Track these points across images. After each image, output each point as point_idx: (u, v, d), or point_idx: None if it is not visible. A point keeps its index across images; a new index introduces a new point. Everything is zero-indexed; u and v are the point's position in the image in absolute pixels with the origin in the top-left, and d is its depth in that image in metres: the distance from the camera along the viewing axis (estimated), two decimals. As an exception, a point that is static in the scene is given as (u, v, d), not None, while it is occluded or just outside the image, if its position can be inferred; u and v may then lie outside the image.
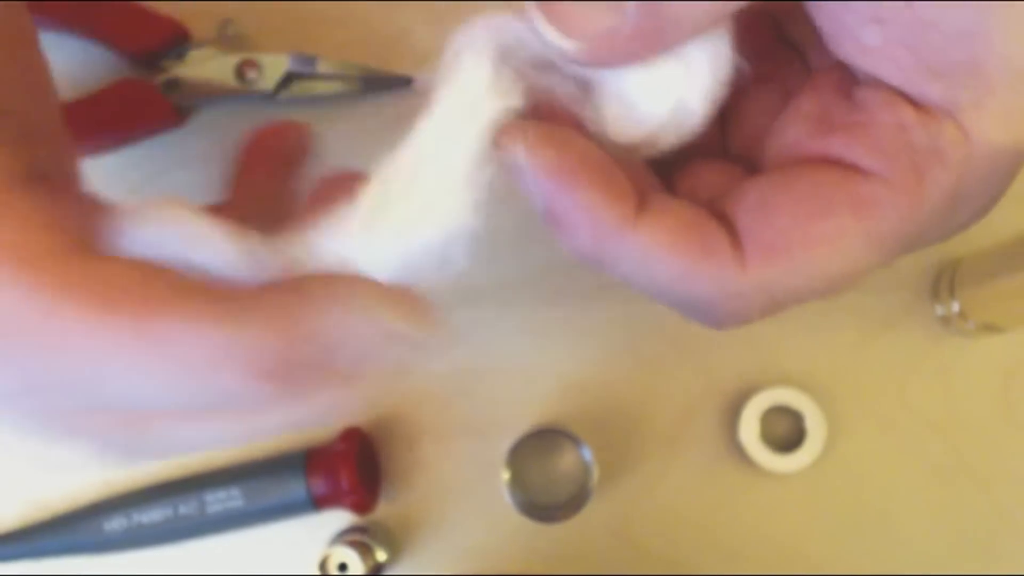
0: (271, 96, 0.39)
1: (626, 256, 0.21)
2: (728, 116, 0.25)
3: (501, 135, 0.21)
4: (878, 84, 0.21)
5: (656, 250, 0.21)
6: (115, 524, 0.37)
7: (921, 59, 0.20)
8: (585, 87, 0.22)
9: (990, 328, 0.37)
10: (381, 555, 0.37)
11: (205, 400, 0.19)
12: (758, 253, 0.21)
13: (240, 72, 0.39)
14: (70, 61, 0.39)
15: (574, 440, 0.37)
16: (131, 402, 0.20)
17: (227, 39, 0.39)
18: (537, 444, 0.37)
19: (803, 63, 0.24)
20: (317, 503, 0.37)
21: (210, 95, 0.39)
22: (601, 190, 0.21)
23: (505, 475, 0.37)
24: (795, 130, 0.23)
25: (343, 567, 0.36)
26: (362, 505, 0.37)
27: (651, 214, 0.21)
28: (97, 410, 0.21)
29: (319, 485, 0.36)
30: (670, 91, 0.21)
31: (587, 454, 0.36)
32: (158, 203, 0.21)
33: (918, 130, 0.20)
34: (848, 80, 0.22)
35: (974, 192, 0.21)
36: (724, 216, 0.22)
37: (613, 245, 0.21)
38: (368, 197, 0.22)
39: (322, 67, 0.39)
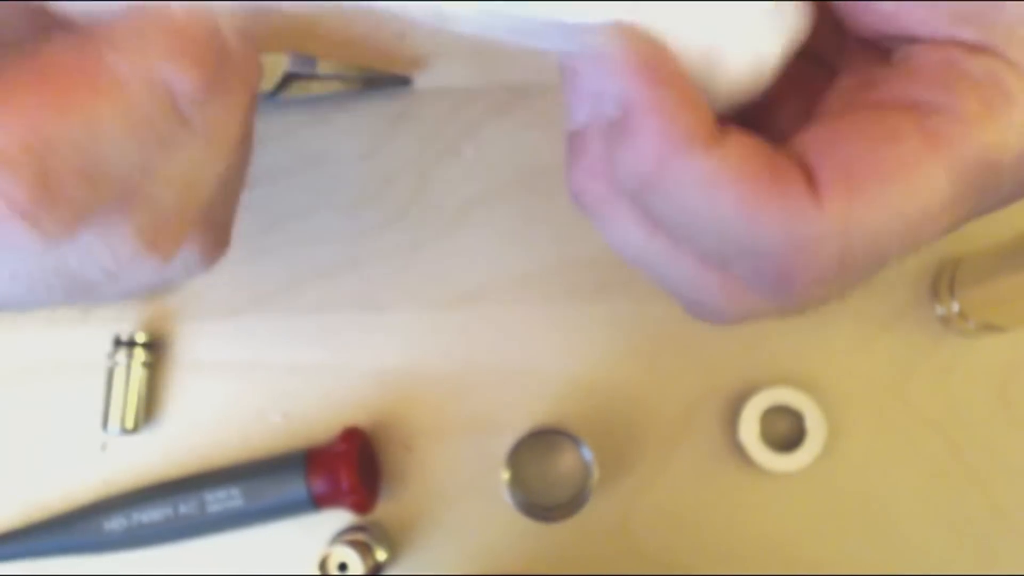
0: (271, 96, 0.39)
1: (690, 177, 0.19)
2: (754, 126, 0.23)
3: (602, 27, 0.20)
4: (911, 40, 0.20)
5: (726, 173, 0.19)
6: (115, 524, 0.37)
7: (942, 7, 0.20)
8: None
9: (990, 328, 0.37)
10: (381, 555, 0.37)
11: None
12: (835, 188, 0.19)
13: (240, 72, 0.39)
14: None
15: (574, 440, 0.37)
16: None
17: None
18: (537, 444, 0.37)
19: (825, 67, 0.23)
20: (317, 503, 0.37)
21: (210, 95, 0.39)
22: (685, 99, 0.19)
23: (505, 475, 0.37)
24: (841, 96, 0.22)
25: (343, 567, 0.36)
26: (362, 505, 0.37)
27: (726, 138, 0.19)
28: None
29: (319, 485, 0.36)
30: (750, 40, 0.20)
31: (587, 454, 0.37)
32: None
33: (971, 62, 0.19)
34: (878, 59, 0.21)
35: None
36: (797, 156, 0.20)
37: (680, 161, 0.19)
38: None
39: (322, 67, 0.39)
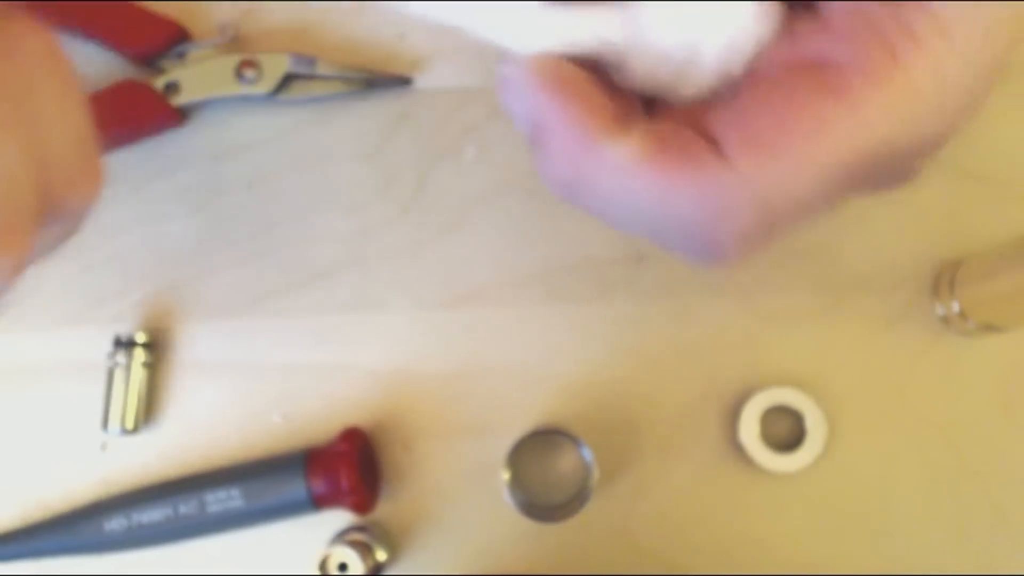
0: (271, 96, 0.39)
1: (604, 172, 0.21)
2: None
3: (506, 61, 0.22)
4: None
5: (635, 160, 0.20)
6: (115, 524, 0.37)
7: None
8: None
9: (990, 328, 0.37)
10: (381, 555, 0.37)
11: None
12: (741, 149, 0.20)
13: (240, 72, 0.39)
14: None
15: (574, 440, 0.37)
16: None
17: (227, 40, 0.39)
18: (537, 444, 0.37)
19: None
20: (317, 503, 0.37)
21: (210, 96, 0.39)
22: (585, 104, 0.21)
23: (505, 475, 0.37)
24: (767, 56, 0.22)
25: (343, 567, 0.36)
26: (362, 505, 0.37)
27: (631, 128, 0.21)
28: None
29: (319, 485, 0.36)
30: (725, 38, 0.22)
31: (587, 454, 0.37)
32: None
33: (885, 19, 0.20)
34: (804, 11, 0.22)
35: (960, 79, 0.20)
36: (703, 133, 0.21)
37: (592, 159, 0.21)
38: None
39: (322, 68, 0.39)
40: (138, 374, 0.38)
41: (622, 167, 0.21)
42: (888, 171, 0.22)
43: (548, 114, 0.21)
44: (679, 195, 0.20)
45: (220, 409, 0.39)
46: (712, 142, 0.20)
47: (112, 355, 0.38)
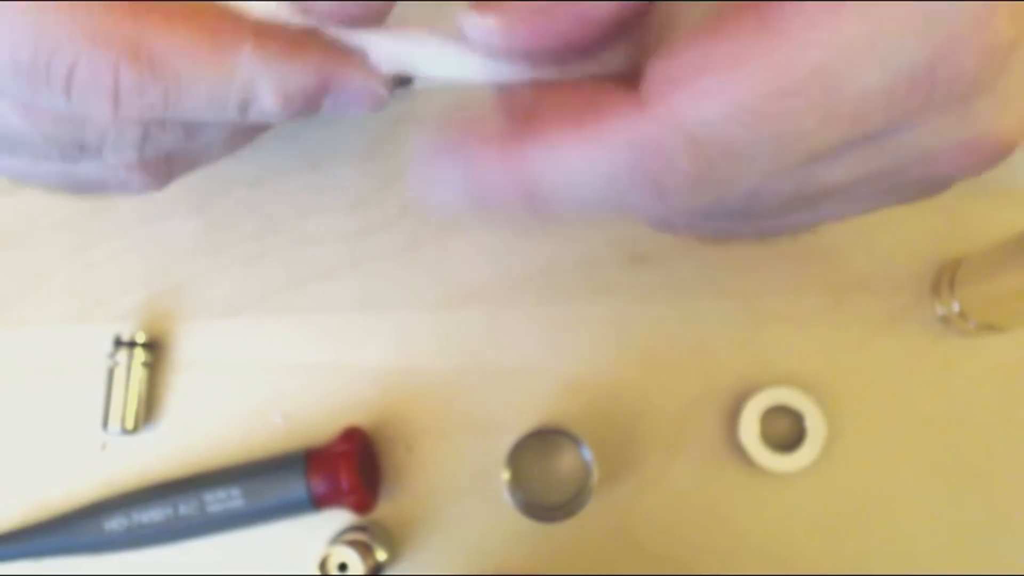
0: (271, 96, 0.39)
1: (539, 159, 0.21)
2: None
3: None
4: None
5: (558, 134, 0.20)
6: (115, 524, 0.37)
7: None
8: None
9: (990, 328, 0.37)
10: (381, 555, 0.37)
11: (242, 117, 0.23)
12: (657, 89, 0.20)
13: (240, 72, 0.39)
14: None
15: (574, 440, 0.37)
16: (193, 116, 0.23)
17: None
18: (537, 444, 0.37)
19: None
20: (317, 503, 0.37)
21: (210, 95, 0.39)
22: (482, 132, 0.22)
23: (505, 475, 0.37)
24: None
25: (343, 567, 0.36)
26: (362, 505, 0.37)
27: (541, 106, 0.21)
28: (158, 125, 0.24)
29: (319, 485, 0.36)
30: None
31: (587, 454, 0.37)
32: None
33: None
34: None
35: (903, 25, 0.19)
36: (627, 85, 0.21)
37: (524, 166, 0.21)
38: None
39: (322, 67, 0.39)
40: (138, 374, 0.38)
41: (545, 143, 0.21)
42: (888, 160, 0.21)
43: (450, 160, 0.22)
44: (605, 146, 0.20)
45: (220, 409, 0.39)
46: (633, 91, 0.20)
47: (112, 355, 0.38)
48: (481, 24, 0.22)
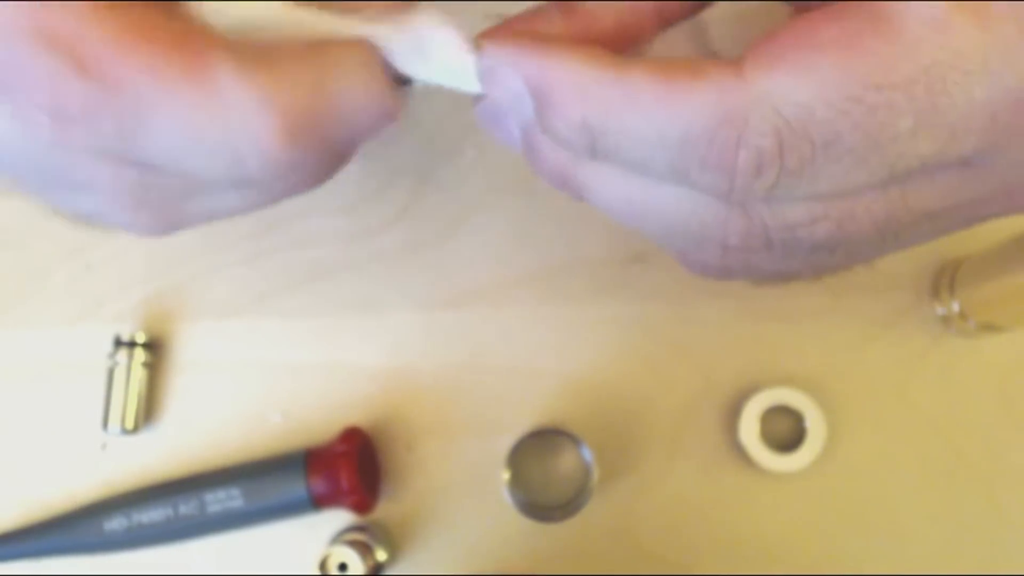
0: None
1: (623, 104, 0.20)
2: None
3: (477, 43, 0.21)
4: None
5: (647, 84, 0.19)
6: (115, 524, 0.37)
7: None
8: None
9: (990, 328, 0.37)
10: (381, 555, 0.37)
11: (235, 159, 0.19)
12: (755, 62, 0.19)
13: (240, 72, 0.39)
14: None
15: (574, 440, 0.37)
16: (166, 157, 0.19)
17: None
18: (537, 444, 0.37)
19: None
20: (317, 503, 0.37)
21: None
22: (574, 53, 0.20)
23: (505, 475, 0.37)
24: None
25: (343, 567, 0.36)
26: (362, 505, 0.37)
27: (635, 61, 0.20)
28: (127, 164, 0.20)
29: (319, 485, 0.36)
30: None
31: (587, 454, 0.37)
32: None
33: None
34: None
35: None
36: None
37: (606, 97, 0.20)
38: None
39: (322, 67, 0.39)
40: (138, 374, 0.38)
41: (635, 93, 0.19)
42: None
43: (551, 74, 0.20)
44: (690, 108, 0.19)
45: (220, 409, 0.39)
46: (736, 64, 0.19)
47: (112, 355, 0.38)
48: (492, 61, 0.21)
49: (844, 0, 0.19)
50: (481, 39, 0.21)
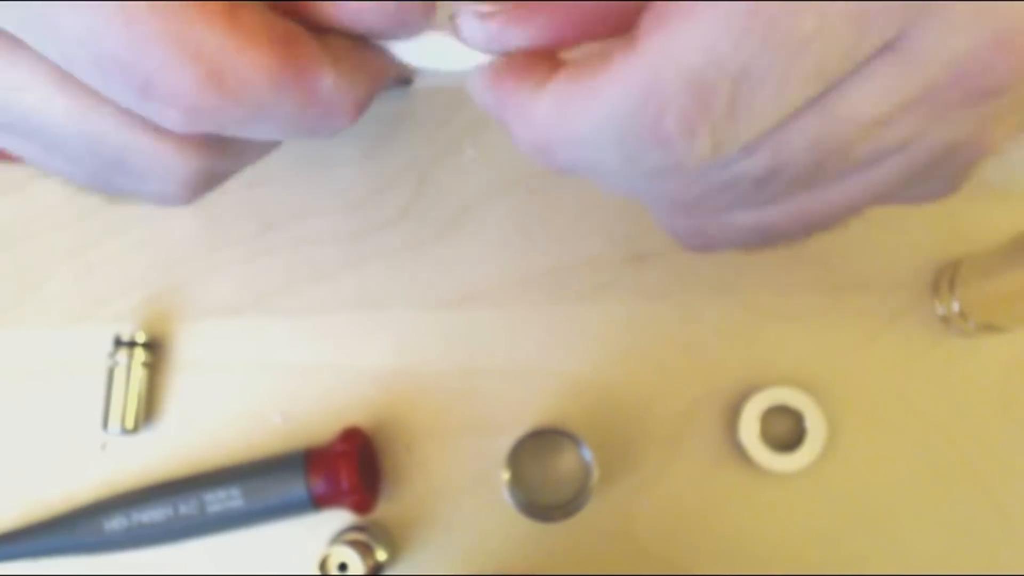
0: (271, 96, 0.39)
1: (555, 122, 0.20)
2: None
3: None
4: None
5: (568, 95, 0.20)
6: (115, 524, 0.37)
7: None
8: None
9: (990, 328, 0.37)
10: (381, 555, 0.37)
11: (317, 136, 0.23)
12: (646, 30, 0.19)
13: (240, 72, 0.39)
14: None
15: (574, 440, 0.37)
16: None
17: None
18: (537, 444, 0.37)
19: None
20: (317, 503, 0.37)
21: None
22: (521, 72, 0.21)
23: (505, 475, 0.37)
24: None
25: (343, 567, 0.36)
26: (362, 505, 0.37)
27: (558, 71, 0.21)
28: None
29: (319, 485, 0.36)
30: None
31: (587, 454, 0.37)
32: None
33: None
34: None
35: None
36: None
37: (541, 120, 0.21)
38: None
39: (322, 67, 0.39)
40: (138, 374, 0.38)
41: (563, 108, 0.20)
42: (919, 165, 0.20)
43: (502, 105, 0.21)
44: (608, 98, 0.19)
45: (220, 409, 0.39)
46: (630, 37, 0.19)
47: (112, 355, 0.38)
48: (475, 26, 0.21)
49: None
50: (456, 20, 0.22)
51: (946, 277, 0.38)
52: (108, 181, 0.24)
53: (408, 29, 0.22)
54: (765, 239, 0.24)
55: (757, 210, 0.23)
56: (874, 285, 0.39)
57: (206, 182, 0.24)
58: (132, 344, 0.38)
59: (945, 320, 0.39)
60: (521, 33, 0.21)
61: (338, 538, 0.37)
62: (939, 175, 0.23)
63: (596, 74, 0.19)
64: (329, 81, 0.21)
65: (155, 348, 0.39)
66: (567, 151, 0.21)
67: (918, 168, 0.22)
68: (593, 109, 0.19)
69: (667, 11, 0.18)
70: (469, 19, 0.21)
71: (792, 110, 0.19)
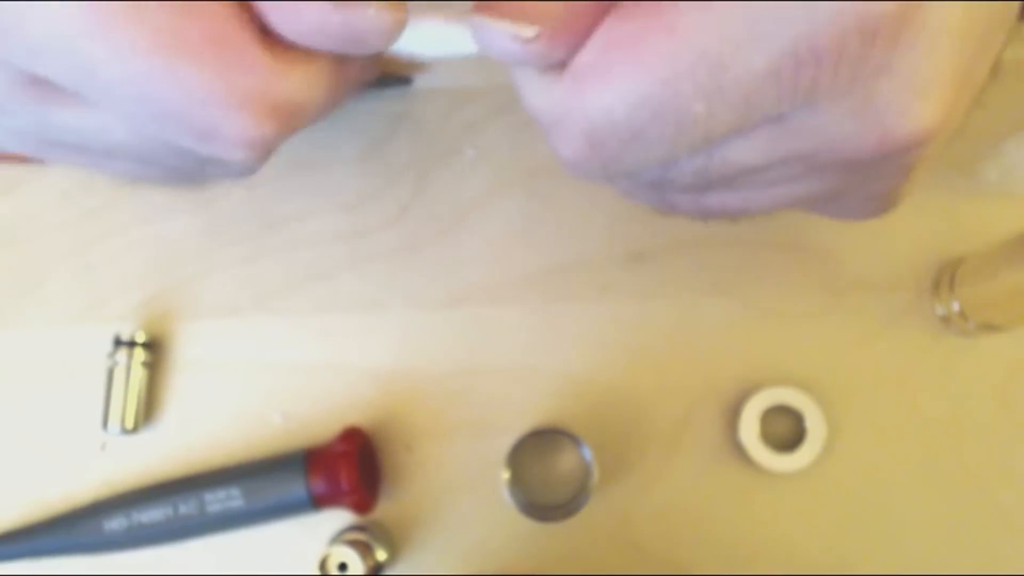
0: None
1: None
2: None
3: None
4: None
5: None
6: (115, 524, 0.37)
7: None
8: None
9: (990, 328, 0.37)
10: (381, 555, 0.37)
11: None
12: (569, 77, 0.22)
13: (240, 72, 0.39)
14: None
15: (574, 440, 0.37)
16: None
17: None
18: (537, 444, 0.37)
19: None
20: (317, 503, 0.37)
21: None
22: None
23: (505, 475, 0.37)
24: None
25: (343, 567, 0.36)
26: (362, 505, 0.37)
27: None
28: None
29: (319, 485, 0.36)
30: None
31: (587, 454, 0.37)
32: None
33: None
34: None
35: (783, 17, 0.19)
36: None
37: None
38: None
39: (322, 67, 0.39)
40: (138, 374, 0.38)
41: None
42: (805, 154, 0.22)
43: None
44: (534, 106, 0.23)
45: (220, 409, 0.39)
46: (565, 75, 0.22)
47: (112, 355, 0.38)
48: (513, 47, 0.22)
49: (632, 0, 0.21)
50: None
51: (946, 277, 0.38)
52: (198, 172, 0.26)
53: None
54: (706, 215, 0.27)
55: (696, 196, 0.26)
56: (874, 285, 0.39)
57: (278, 144, 0.26)
58: (132, 344, 0.38)
59: (945, 320, 0.39)
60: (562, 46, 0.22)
61: (338, 538, 0.37)
62: (845, 206, 0.26)
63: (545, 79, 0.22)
64: (354, 74, 0.24)
65: (155, 348, 0.39)
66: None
67: (813, 199, 0.25)
68: (527, 104, 0.23)
69: (588, 69, 0.21)
70: (502, 38, 0.22)
71: (677, 159, 0.23)
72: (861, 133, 0.21)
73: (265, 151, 0.23)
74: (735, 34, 0.19)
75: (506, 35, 0.21)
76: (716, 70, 0.20)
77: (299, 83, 0.22)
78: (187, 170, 0.26)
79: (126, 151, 0.24)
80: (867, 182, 0.24)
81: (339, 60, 0.23)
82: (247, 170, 0.25)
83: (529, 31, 0.21)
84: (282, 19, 0.21)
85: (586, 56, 0.21)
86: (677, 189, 0.25)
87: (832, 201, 0.26)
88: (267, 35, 0.21)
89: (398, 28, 0.22)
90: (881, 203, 0.26)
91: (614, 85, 0.21)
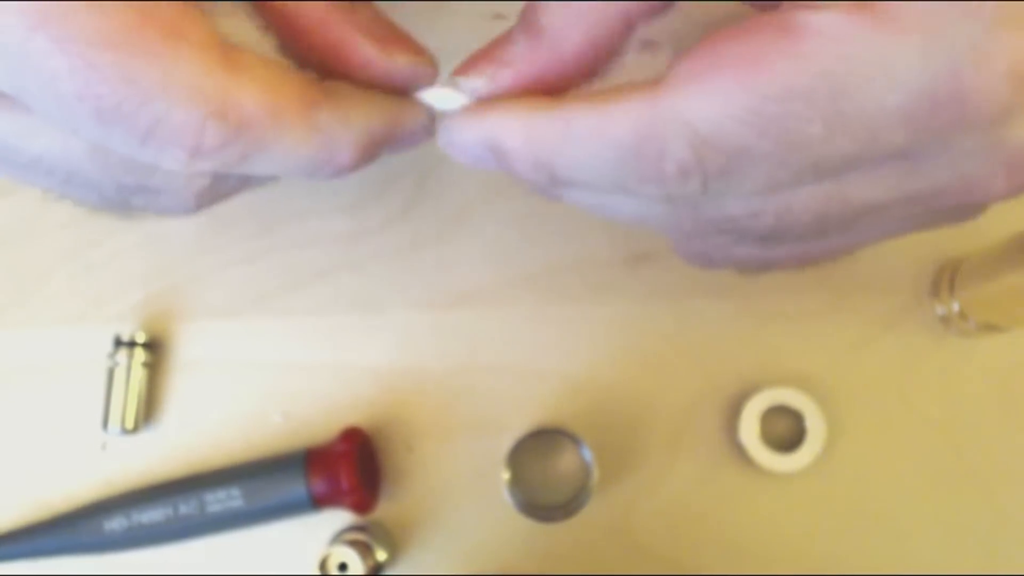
0: (271, 96, 0.39)
1: (562, 140, 0.22)
2: None
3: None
4: None
5: (579, 117, 0.22)
6: (115, 524, 0.37)
7: None
8: None
9: (990, 328, 0.37)
10: (381, 555, 0.37)
11: (318, 175, 0.24)
12: (671, 82, 0.21)
13: (240, 72, 0.39)
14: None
15: (574, 440, 0.37)
16: (260, 173, 0.23)
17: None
18: (537, 444, 0.37)
19: None
20: (317, 503, 0.37)
21: (210, 95, 0.39)
22: (520, 100, 0.23)
23: (505, 475, 0.37)
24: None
25: (343, 567, 0.36)
26: (362, 505, 0.37)
27: (569, 98, 0.23)
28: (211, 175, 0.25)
29: (319, 485, 0.36)
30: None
31: (587, 454, 0.37)
32: None
33: None
34: None
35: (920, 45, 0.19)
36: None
37: (547, 136, 0.22)
38: None
39: (322, 67, 0.39)
40: (138, 374, 0.38)
41: (571, 128, 0.22)
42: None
43: (498, 127, 0.23)
44: (615, 129, 0.21)
45: (220, 409, 0.39)
46: (653, 85, 0.21)
47: (112, 355, 0.38)
48: (472, 84, 0.24)
49: (760, 14, 0.20)
50: (455, 75, 0.24)
51: (946, 277, 0.38)
52: (123, 203, 0.25)
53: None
54: (764, 268, 0.26)
55: (760, 248, 0.25)
56: (874, 285, 0.39)
57: (215, 196, 0.26)
58: (132, 344, 0.38)
59: (945, 320, 0.39)
60: (509, 82, 0.23)
61: (338, 538, 0.37)
62: (946, 219, 0.25)
63: (610, 103, 0.21)
64: (326, 115, 0.23)
65: (155, 348, 0.39)
66: (568, 168, 0.22)
67: (916, 227, 0.24)
68: (603, 131, 0.21)
69: (694, 74, 0.20)
70: (465, 82, 0.24)
71: (788, 185, 0.21)
72: (991, 172, 0.21)
73: (205, 164, 0.22)
74: (866, 65, 0.19)
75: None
76: (838, 96, 0.19)
77: (253, 94, 0.21)
78: (119, 189, 0.25)
79: (52, 163, 0.23)
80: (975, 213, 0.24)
81: (311, 93, 0.23)
82: (184, 200, 0.25)
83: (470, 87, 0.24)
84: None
85: (695, 61, 0.20)
86: (787, 236, 0.23)
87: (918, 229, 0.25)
88: (226, 43, 0.21)
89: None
90: (963, 219, 0.25)
91: (724, 94, 0.20)
